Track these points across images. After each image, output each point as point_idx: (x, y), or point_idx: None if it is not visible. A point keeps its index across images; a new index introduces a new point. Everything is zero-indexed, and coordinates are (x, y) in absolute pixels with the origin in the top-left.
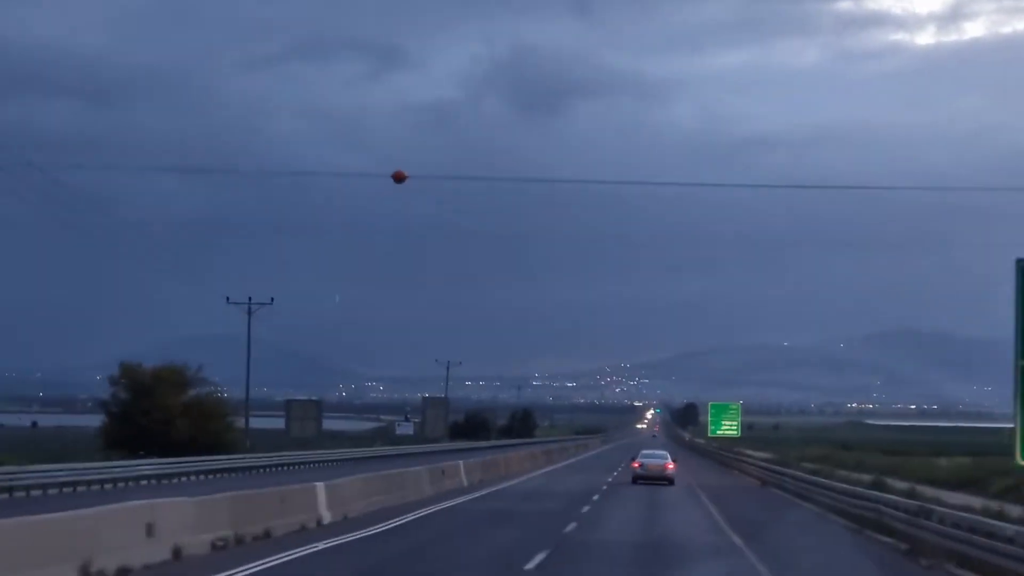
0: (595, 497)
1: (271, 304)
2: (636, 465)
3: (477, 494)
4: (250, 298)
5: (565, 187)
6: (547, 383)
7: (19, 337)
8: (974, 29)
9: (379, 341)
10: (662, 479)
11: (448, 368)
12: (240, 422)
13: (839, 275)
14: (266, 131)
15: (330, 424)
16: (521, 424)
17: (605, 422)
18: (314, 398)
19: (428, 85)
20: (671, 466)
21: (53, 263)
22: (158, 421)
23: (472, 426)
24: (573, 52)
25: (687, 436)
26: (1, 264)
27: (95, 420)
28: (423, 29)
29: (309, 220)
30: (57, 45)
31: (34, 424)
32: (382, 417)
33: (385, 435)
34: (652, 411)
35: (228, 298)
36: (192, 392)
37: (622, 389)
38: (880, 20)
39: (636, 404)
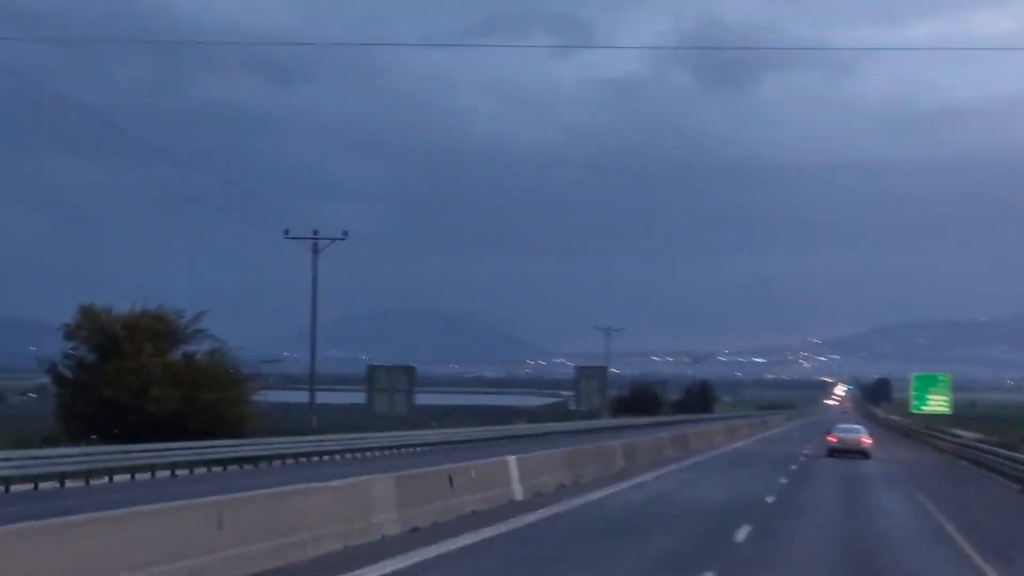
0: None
1: (344, 239)
2: (832, 439)
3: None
4: (315, 231)
5: (754, 162)
6: (734, 358)
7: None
8: None
9: (567, 316)
10: (858, 452)
11: (608, 335)
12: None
13: None
14: (450, 107)
15: (514, 400)
16: (698, 399)
17: (794, 398)
18: (408, 365)
19: (615, 60)
20: (867, 440)
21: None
22: (128, 391)
23: (639, 400)
24: (760, 24)
25: (880, 413)
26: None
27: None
28: (610, 3)
29: (494, 195)
30: (241, 22)
31: None
32: (562, 393)
33: (555, 411)
34: (843, 387)
35: (287, 231)
36: (183, 350)
37: (812, 365)
38: None
39: (826, 380)
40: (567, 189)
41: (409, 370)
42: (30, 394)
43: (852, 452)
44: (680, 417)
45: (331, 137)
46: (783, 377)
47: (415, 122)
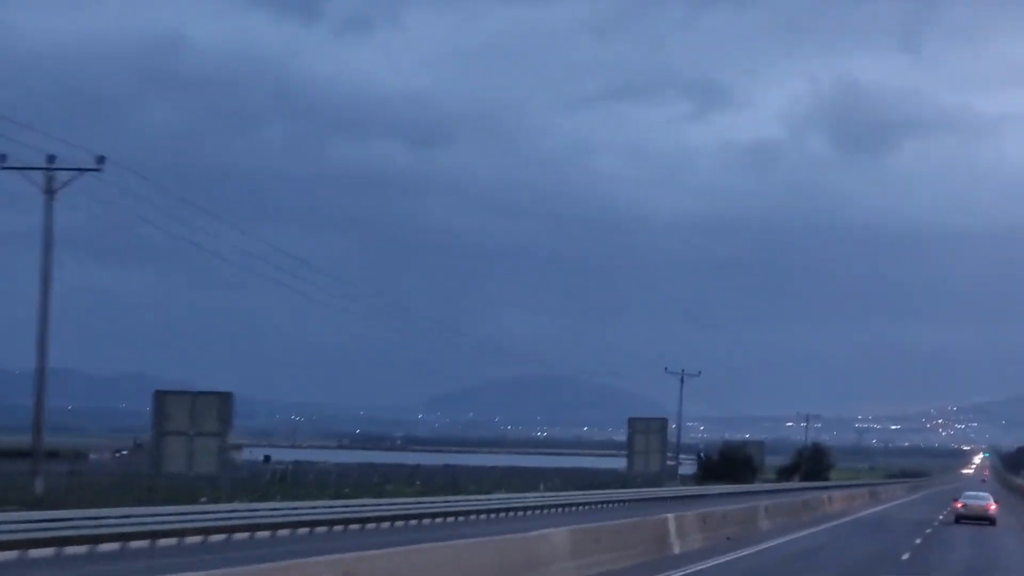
0: None
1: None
2: (959, 505)
3: None
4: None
5: (891, 228)
6: (870, 425)
7: (347, 375)
8: None
9: (704, 381)
10: (983, 519)
11: (682, 381)
12: None
13: None
14: (585, 170)
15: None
16: (811, 463)
17: (929, 466)
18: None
19: (750, 124)
20: (992, 507)
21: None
22: None
23: (729, 464)
24: (899, 89)
25: (1021, 482)
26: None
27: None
28: (746, 67)
29: (623, 258)
30: (382, 86)
31: (266, 459)
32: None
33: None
34: (980, 455)
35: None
36: None
37: (949, 432)
38: None
39: (963, 448)
40: (698, 253)
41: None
42: (123, 452)
43: (978, 519)
44: (783, 485)
45: (468, 200)
46: (919, 444)
47: (551, 185)
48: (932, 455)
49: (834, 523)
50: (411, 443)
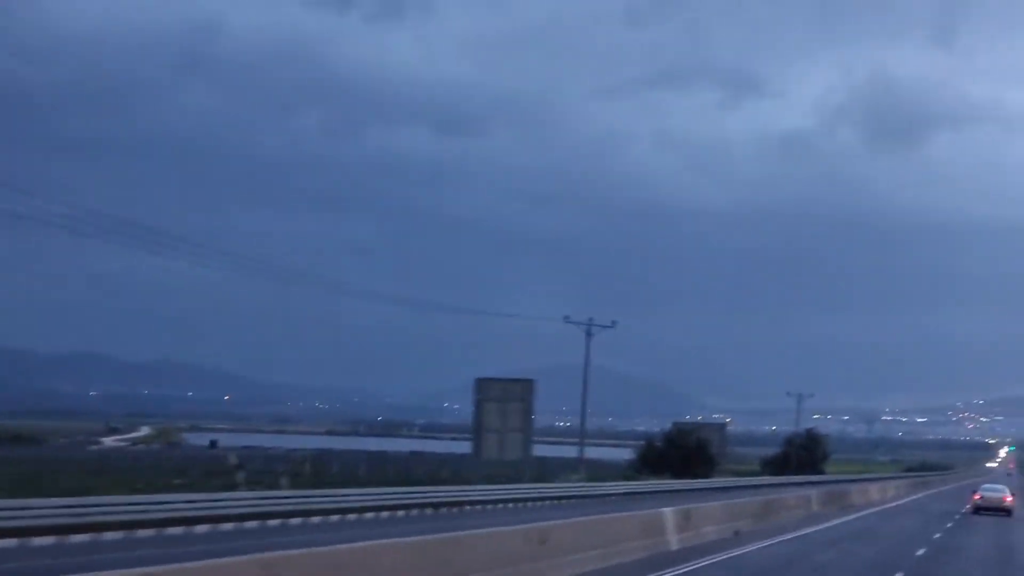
0: None
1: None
2: (977, 497)
3: None
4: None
5: (918, 220)
6: (897, 418)
7: (380, 361)
8: None
9: (732, 373)
10: (1000, 510)
11: (589, 334)
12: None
13: None
14: (620, 159)
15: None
16: (802, 454)
17: (954, 459)
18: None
19: (783, 114)
20: (1009, 498)
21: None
22: None
23: (679, 452)
24: (932, 81)
25: None
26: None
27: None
28: (780, 57)
29: (662, 249)
30: (414, 73)
31: (212, 444)
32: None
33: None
34: (1006, 449)
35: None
36: None
37: (975, 426)
38: None
39: (989, 441)
40: (731, 243)
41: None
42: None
43: (996, 510)
44: (751, 480)
45: (502, 189)
46: (946, 437)
47: (584, 173)
48: (958, 448)
49: (773, 541)
50: (432, 430)
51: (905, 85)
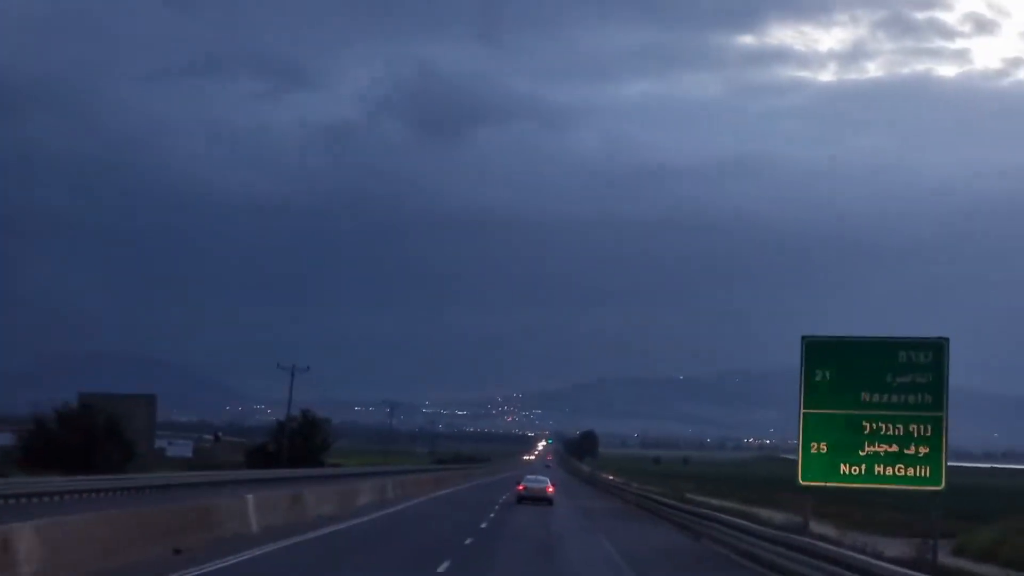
0: None
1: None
2: (520, 488)
3: None
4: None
5: (465, 214)
6: (437, 410)
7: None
8: (875, 69)
9: (270, 361)
10: (543, 499)
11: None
12: None
13: (734, 308)
14: (164, 147)
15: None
16: (297, 442)
17: (494, 451)
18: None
19: (328, 106)
20: (551, 489)
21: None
22: None
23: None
24: (475, 76)
25: (586, 468)
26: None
27: None
28: (326, 49)
29: (196, 240)
30: None
31: None
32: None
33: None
34: (544, 441)
35: None
36: None
37: (515, 419)
38: (783, 57)
39: (528, 434)
40: (275, 235)
41: None
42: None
43: (539, 499)
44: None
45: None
46: (486, 430)
47: (128, 163)
48: (498, 440)
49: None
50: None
51: (450, 80)
